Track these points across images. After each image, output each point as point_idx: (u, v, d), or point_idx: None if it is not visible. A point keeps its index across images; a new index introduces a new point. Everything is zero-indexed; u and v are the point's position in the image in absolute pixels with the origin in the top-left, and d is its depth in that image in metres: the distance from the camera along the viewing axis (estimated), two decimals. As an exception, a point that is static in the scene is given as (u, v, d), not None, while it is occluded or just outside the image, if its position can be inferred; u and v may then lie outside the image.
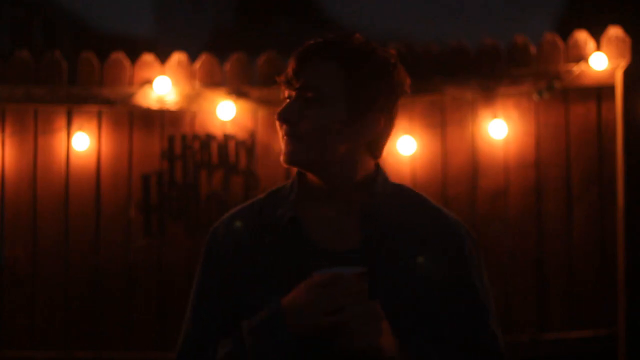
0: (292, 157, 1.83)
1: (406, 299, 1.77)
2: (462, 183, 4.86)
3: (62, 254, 4.83)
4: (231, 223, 1.90)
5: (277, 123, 1.85)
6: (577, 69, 4.72)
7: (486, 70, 4.82)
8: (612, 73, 4.71)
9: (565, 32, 4.86)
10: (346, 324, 1.67)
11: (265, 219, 1.87)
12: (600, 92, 4.80)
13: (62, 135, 4.83)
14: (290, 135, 1.82)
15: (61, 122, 4.83)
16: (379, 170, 1.90)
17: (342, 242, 1.81)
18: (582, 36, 4.78)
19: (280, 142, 1.86)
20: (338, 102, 1.82)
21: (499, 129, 4.79)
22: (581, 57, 4.74)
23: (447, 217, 1.90)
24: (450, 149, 4.88)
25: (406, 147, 4.81)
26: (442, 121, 4.87)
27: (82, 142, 4.79)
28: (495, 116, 4.81)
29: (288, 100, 1.85)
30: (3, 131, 4.82)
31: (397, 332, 1.73)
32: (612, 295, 4.72)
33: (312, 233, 1.83)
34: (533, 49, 4.83)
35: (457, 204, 4.83)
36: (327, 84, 1.82)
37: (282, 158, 1.84)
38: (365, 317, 1.67)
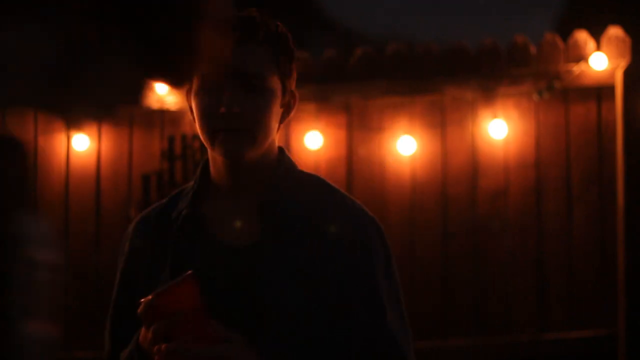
0: (242, 152, 1.72)
1: (301, 295, 1.69)
2: (462, 183, 4.86)
3: (62, 254, 4.82)
4: (139, 223, 1.85)
5: (209, 114, 1.72)
6: (577, 69, 4.72)
7: (486, 70, 4.82)
8: (612, 73, 4.71)
9: (565, 32, 4.86)
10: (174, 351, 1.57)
11: (166, 218, 1.80)
12: (600, 92, 4.80)
13: (62, 135, 4.83)
14: (238, 129, 1.71)
15: (61, 122, 4.83)
16: (284, 156, 1.82)
17: (243, 235, 1.74)
18: (582, 36, 4.78)
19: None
20: (276, 87, 1.75)
21: (499, 129, 4.79)
22: (581, 57, 4.74)
23: (352, 207, 1.79)
24: (450, 149, 4.87)
25: (406, 147, 4.81)
26: (442, 121, 4.87)
27: (82, 142, 4.79)
28: (495, 116, 4.81)
29: (218, 89, 1.72)
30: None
31: (295, 331, 1.67)
32: (612, 295, 4.71)
33: (212, 228, 1.76)
34: (533, 49, 4.83)
35: (457, 204, 4.83)
36: (267, 70, 1.73)
37: (224, 153, 1.72)
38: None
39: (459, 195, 4.86)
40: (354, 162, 4.85)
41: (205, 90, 1.73)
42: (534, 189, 4.85)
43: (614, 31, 4.75)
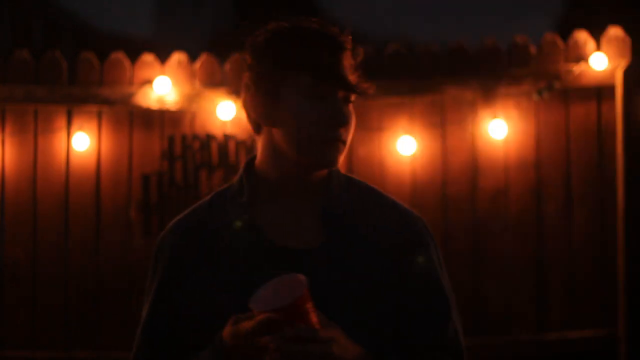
0: (337, 162, 1.76)
1: (368, 296, 1.72)
2: (462, 183, 4.86)
3: (62, 254, 4.83)
4: (179, 230, 1.82)
5: (321, 122, 1.72)
6: (577, 69, 4.72)
7: (486, 70, 4.82)
8: (612, 73, 4.71)
9: (565, 32, 4.86)
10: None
11: (216, 222, 1.78)
12: (600, 92, 4.80)
13: (62, 135, 4.83)
14: (344, 141, 1.75)
15: (61, 122, 4.83)
16: None
17: (302, 239, 1.74)
18: (582, 36, 4.78)
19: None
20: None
21: (499, 129, 4.79)
22: (581, 57, 4.74)
23: (405, 211, 1.84)
24: (450, 149, 4.88)
25: (406, 147, 4.81)
26: (442, 121, 4.87)
27: (82, 142, 4.79)
28: (495, 116, 4.81)
29: (327, 98, 1.74)
30: (3, 131, 4.82)
31: (358, 330, 1.68)
32: (612, 295, 4.72)
33: (269, 232, 1.75)
34: (533, 49, 4.83)
35: (457, 204, 4.83)
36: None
37: (321, 162, 1.74)
38: (310, 345, 1.57)
39: (459, 195, 4.86)
40: (354, 162, 4.85)
41: (316, 97, 1.72)
42: (534, 189, 4.85)
43: (614, 31, 4.75)
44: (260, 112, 1.77)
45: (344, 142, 1.74)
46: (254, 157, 1.82)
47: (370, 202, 1.82)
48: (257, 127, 1.80)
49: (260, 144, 1.80)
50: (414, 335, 1.75)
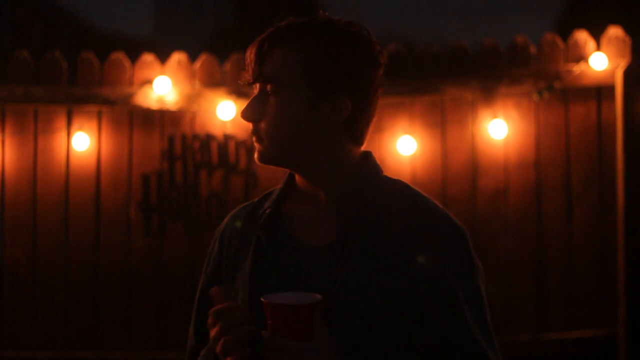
0: (261, 158, 1.74)
1: (382, 300, 1.66)
2: (462, 183, 4.86)
3: (62, 254, 4.83)
4: (230, 223, 1.87)
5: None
6: (577, 69, 4.72)
7: (486, 70, 4.82)
8: (612, 73, 4.71)
9: (565, 32, 4.86)
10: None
11: (254, 215, 1.81)
12: (600, 92, 4.81)
13: (62, 135, 4.83)
14: (255, 134, 1.73)
15: (61, 122, 4.83)
16: (366, 161, 1.78)
17: (319, 236, 1.73)
18: (582, 36, 4.78)
19: None
20: (299, 89, 1.68)
21: (499, 129, 4.79)
22: (581, 57, 4.74)
23: (432, 212, 1.80)
24: (450, 149, 4.88)
25: (406, 147, 4.81)
26: (442, 121, 4.87)
27: (82, 142, 4.79)
28: (495, 116, 4.81)
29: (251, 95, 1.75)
30: (3, 131, 4.82)
31: (368, 337, 1.65)
32: (612, 295, 4.72)
33: (291, 227, 1.76)
34: (533, 49, 4.83)
35: (457, 204, 4.83)
36: (284, 71, 1.67)
37: (255, 157, 1.77)
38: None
39: (459, 195, 4.86)
40: (354, 162, 4.85)
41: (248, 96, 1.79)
42: (534, 189, 4.85)
43: (614, 31, 4.75)
44: None
45: (257, 136, 1.73)
46: None
47: (398, 204, 1.77)
48: None
49: None
50: (420, 341, 1.67)
